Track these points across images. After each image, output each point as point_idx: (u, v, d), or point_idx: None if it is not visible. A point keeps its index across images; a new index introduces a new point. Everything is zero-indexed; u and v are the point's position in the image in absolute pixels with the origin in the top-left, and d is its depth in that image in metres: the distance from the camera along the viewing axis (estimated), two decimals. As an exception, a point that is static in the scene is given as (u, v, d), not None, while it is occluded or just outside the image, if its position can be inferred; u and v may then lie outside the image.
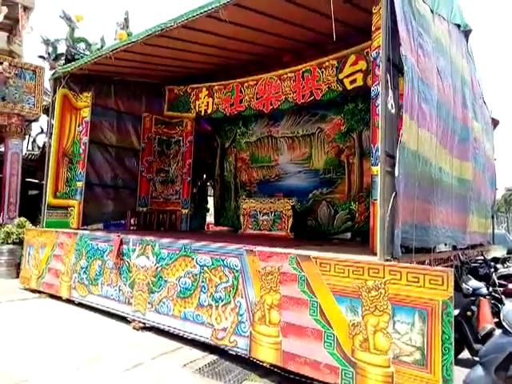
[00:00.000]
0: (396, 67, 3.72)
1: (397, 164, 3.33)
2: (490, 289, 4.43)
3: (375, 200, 3.98)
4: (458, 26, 5.48)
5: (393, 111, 3.59)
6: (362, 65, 6.16)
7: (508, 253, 7.39)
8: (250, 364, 3.84)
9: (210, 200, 11.38)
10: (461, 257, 4.83)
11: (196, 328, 4.37)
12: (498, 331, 3.79)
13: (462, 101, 5.51)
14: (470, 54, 6.25)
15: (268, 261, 3.86)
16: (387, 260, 3.31)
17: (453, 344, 2.87)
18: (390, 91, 3.50)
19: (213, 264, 4.34)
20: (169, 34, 5.60)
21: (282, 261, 3.76)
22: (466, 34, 5.90)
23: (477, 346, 3.93)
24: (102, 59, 6.54)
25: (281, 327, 3.67)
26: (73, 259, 6.16)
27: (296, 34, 6.45)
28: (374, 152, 4.16)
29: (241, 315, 3.99)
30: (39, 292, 6.74)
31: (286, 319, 3.66)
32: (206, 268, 4.39)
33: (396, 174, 3.34)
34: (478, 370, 3.22)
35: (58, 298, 6.32)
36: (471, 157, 5.96)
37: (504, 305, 3.40)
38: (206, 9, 4.98)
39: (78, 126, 7.69)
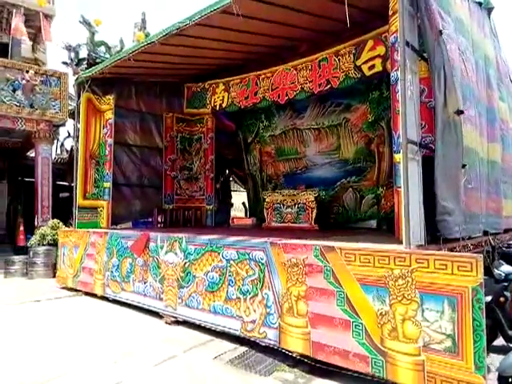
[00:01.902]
0: (415, 51, 3.65)
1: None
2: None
3: (399, 187, 3.93)
4: (480, 3, 5.27)
5: (413, 97, 3.53)
6: (381, 50, 6.03)
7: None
8: (279, 355, 3.90)
9: (234, 195, 11.50)
10: (492, 242, 4.70)
11: (226, 321, 4.46)
12: (533, 317, 3.70)
13: (487, 81, 5.32)
14: (494, 33, 6.00)
15: (292, 253, 3.89)
16: (416, 247, 3.28)
17: (484, 331, 2.82)
18: (410, 76, 3.44)
19: (238, 258, 4.40)
20: (185, 32, 5.67)
21: (306, 252, 3.78)
22: (489, 11, 5.67)
23: (511, 333, 3.84)
24: (122, 62, 6.69)
25: (309, 318, 3.71)
26: (105, 258, 6.39)
27: (312, 23, 6.37)
28: (395, 139, 4.10)
29: (269, 307, 4.05)
30: (75, 290, 7.03)
31: (313, 310, 3.68)
32: (232, 262, 4.47)
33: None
34: (512, 357, 3.16)
35: (94, 296, 6.58)
36: (498, 138, 5.76)
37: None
38: (219, 5, 5.01)
39: (103, 128, 7.91)
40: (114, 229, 7.38)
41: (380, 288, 3.27)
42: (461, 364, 2.87)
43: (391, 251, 3.26)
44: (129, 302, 5.89)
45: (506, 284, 4.03)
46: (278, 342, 3.92)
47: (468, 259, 2.89)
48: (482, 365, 2.79)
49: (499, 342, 3.84)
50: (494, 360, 3.54)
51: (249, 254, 4.30)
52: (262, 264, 4.15)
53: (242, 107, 8.37)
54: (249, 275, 4.27)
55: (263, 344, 4.07)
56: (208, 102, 8.90)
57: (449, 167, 3.74)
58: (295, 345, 3.78)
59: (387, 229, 6.81)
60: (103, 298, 6.39)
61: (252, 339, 4.18)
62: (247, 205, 10.70)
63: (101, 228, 7.46)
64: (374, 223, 7.59)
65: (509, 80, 6.82)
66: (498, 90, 5.83)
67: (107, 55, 11.94)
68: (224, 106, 8.64)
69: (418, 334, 3.06)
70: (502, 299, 3.97)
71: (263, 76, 8.01)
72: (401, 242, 3.53)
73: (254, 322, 4.17)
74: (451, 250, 3.83)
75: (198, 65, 8.12)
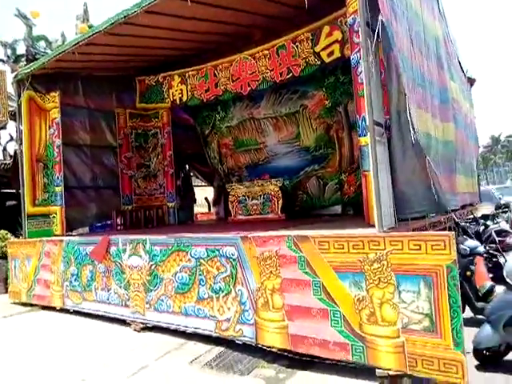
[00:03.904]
0: (374, 32, 3.59)
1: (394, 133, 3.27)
2: (486, 247, 4.47)
3: (366, 171, 3.90)
4: (429, -14, 5.35)
5: (375, 78, 3.48)
6: (338, 35, 5.97)
7: (496, 209, 7.50)
8: (258, 351, 3.79)
9: (196, 190, 11.22)
10: (455, 218, 4.85)
11: (199, 322, 4.28)
12: (498, 288, 3.83)
13: (438, 63, 5.44)
14: (442, 14, 6.16)
15: (265, 245, 3.77)
16: (388, 230, 3.26)
17: (460, 307, 2.85)
18: (371, 57, 3.38)
19: (208, 255, 4.22)
20: (133, 20, 5.30)
21: (279, 244, 3.67)
22: (437, -7, 5.80)
23: (479, 304, 3.98)
24: (65, 56, 6.18)
25: (285, 311, 3.61)
26: (62, 267, 5.96)
27: (265, 8, 6.21)
28: (360, 122, 4.05)
29: (243, 304, 3.91)
30: (31, 305, 6.53)
31: (289, 302, 3.59)
32: (201, 260, 4.28)
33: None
34: (486, 329, 3.25)
35: (52, 309, 6.13)
36: (452, 118, 5.95)
37: (506, 261, 3.42)
38: (168, -10, 4.73)
39: (49, 128, 7.34)
40: (70, 235, 6.90)
41: (356, 273, 3.22)
42: (440, 342, 2.89)
43: (365, 236, 3.22)
44: (92, 312, 5.52)
45: (471, 258, 4.16)
46: (256, 338, 3.80)
47: (441, 237, 2.90)
48: (460, 341, 2.82)
49: (467, 314, 3.95)
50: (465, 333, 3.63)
51: (219, 251, 4.13)
52: (234, 260, 4.00)
53: (205, 100, 8.05)
54: (220, 272, 4.10)
55: (240, 342, 3.94)
56: (166, 95, 8.47)
57: (404, 149, 3.74)
58: (273, 340, 3.68)
59: (354, 213, 6.87)
60: (63, 310, 5.96)
61: (228, 338, 4.03)
62: (212, 199, 10.46)
63: (55, 236, 6.95)
64: (338, 208, 7.64)
65: (457, 60, 7.07)
66: (448, 71, 6.01)
67: (48, 50, 11.15)
68: (184, 99, 8.26)
69: (396, 317, 3.05)
70: (468, 273, 4.11)
71: (221, 66, 7.73)
72: (371, 226, 3.51)
73: (228, 320, 4.02)
74: (417, 230, 3.87)
75: (149, 56, 7.72)
